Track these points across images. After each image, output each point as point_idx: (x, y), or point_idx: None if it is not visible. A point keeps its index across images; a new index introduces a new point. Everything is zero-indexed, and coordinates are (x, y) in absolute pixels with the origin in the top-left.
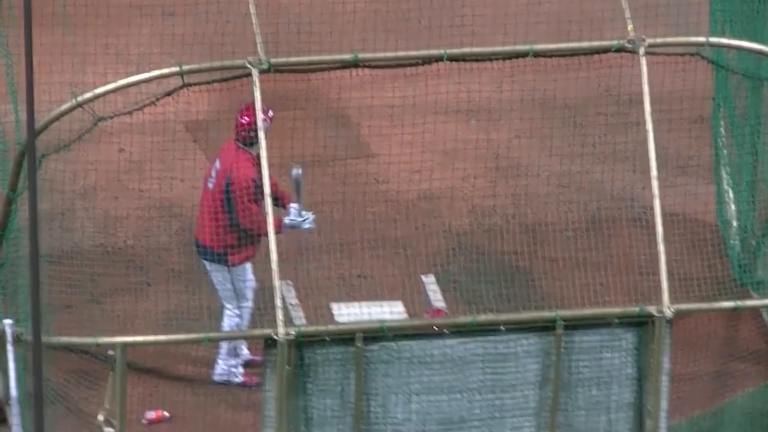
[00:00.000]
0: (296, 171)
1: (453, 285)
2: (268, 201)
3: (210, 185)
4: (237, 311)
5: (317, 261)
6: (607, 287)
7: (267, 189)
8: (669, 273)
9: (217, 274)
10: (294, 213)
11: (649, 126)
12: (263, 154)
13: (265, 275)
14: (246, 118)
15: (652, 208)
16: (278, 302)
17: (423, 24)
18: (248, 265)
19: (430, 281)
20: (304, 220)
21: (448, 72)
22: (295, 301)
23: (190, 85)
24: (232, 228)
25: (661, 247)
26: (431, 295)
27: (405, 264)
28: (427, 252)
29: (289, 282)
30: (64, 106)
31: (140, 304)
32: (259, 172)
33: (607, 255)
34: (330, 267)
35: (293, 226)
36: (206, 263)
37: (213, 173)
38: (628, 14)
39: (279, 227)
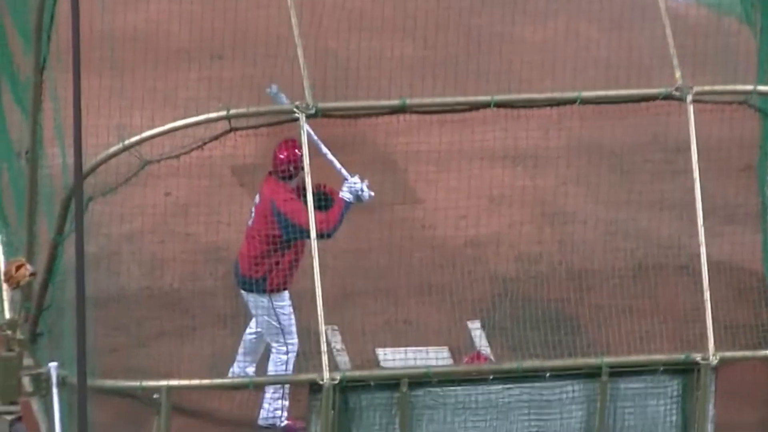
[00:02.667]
0: (272, 90)
1: (499, 331)
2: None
3: (249, 222)
4: (284, 348)
5: (363, 306)
6: (652, 334)
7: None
8: (715, 321)
9: (259, 308)
10: (348, 184)
11: (696, 174)
12: (308, 179)
13: (310, 320)
14: (285, 153)
15: (698, 256)
16: (323, 347)
17: (471, 69)
18: (287, 295)
19: (475, 327)
20: (359, 185)
21: (495, 118)
22: (340, 346)
23: (237, 129)
24: (272, 255)
25: (707, 295)
26: (477, 341)
27: (451, 310)
28: (473, 298)
29: (335, 327)
30: (112, 150)
31: (185, 347)
32: (300, 198)
33: (654, 302)
34: (375, 312)
35: (353, 193)
36: (246, 295)
37: (252, 209)
38: (675, 62)
39: (341, 207)
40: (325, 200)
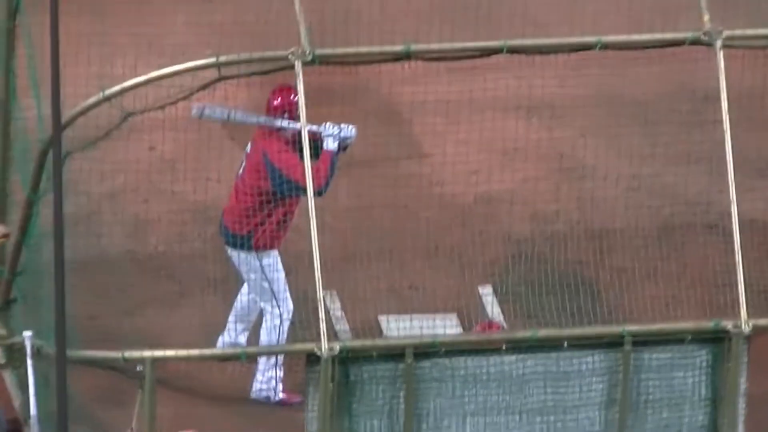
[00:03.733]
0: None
1: (512, 297)
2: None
3: (240, 172)
4: (277, 314)
5: (364, 270)
6: (679, 300)
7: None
8: (747, 285)
9: (247, 267)
10: (325, 133)
11: (726, 124)
12: (305, 132)
13: (307, 285)
14: (279, 99)
15: (729, 214)
16: (321, 314)
17: (481, 13)
18: (275, 254)
19: (487, 292)
20: (335, 129)
21: (508, 65)
22: (340, 313)
23: (227, 78)
24: (260, 210)
25: (739, 257)
26: (488, 307)
27: (460, 274)
28: (485, 261)
29: (334, 292)
30: (91, 100)
31: (172, 315)
32: (293, 146)
33: (680, 265)
34: (379, 277)
35: (336, 140)
36: (232, 253)
37: (243, 159)
38: (703, 3)
39: (327, 159)
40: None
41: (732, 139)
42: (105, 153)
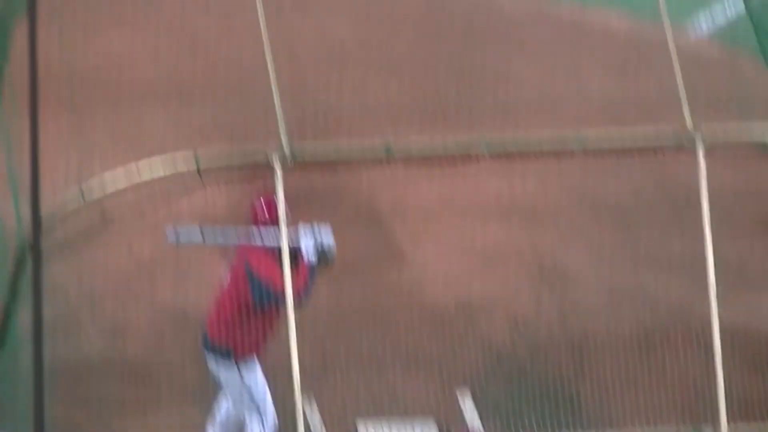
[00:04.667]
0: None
1: (491, 405)
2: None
3: (225, 282)
4: (258, 421)
5: (343, 375)
6: (659, 408)
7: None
8: (727, 393)
9: (228, 380)
10: (304, 235)
11: (707, 230)
12: (285, 245)
13: (286, 392)
14: (264, 208)
15: (710, 321)
16: (300, 424)
17: (463, 110)
18: (257, 366)
19: (466, 400)
20: (312, 239)
21: (490, 169)
22: (318, 419)
23: (206, 177)
24: (241, 320)
25: (719, 364)
26: (467, 415)
27: (439, 380)
28: (464, 368)
29: (313, 398)
30: (71, 203)
31: (151, 425)
32: (275, 255)
33: (661, 373)
34: (357, 382)
35: (315, 250)
36: (213, 362)
37: (227, 268)
38: (685, 104)
39: (306, 272)
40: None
41: (713, 244)
42: (83, 255)
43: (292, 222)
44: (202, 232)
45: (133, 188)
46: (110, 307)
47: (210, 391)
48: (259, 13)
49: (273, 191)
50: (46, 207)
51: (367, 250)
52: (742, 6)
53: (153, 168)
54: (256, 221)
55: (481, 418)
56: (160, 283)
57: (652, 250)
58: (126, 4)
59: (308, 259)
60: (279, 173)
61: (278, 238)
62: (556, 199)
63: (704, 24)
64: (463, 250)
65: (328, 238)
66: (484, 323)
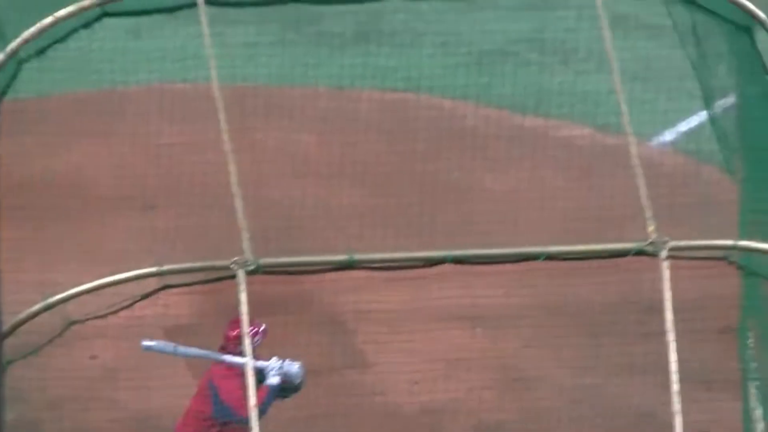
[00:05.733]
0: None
1: None
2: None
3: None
4: None
5: None
6: None
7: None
8: None
9: None
10: (272, 367)
11: (671, 336)
12: (249, 364)
13: None
14: (235, 332)
15: (673, 427)
16: None
17: (426, 220)
18: None
19: None
20: (278, 365)
21: (453, 274)
22: None
23: (169, 286)
24: (205, 429)
25: None
26: None
27: None
28: None
29: None
30: (33, 308)
31: None
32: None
33: None
34: None
35: (282, 375)
36: None
37: (196, 391)
38: (649, 213)
39: (267, 391)
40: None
41: (676, 350)
42: (47, 361)
43: (264, 337)
44: (175, 349)
45: (96, 295)
46: (72, 411)
47: None
48: (222, 124)
49: (237, 300)
50: (8, 313)
51: (331, 355)
52: (704, 116)
53: (116, 276)
54: (227, 339)
55: None
56: (122, 386)
57: (615, 355)
58: (91, 114)
59: (269, 381)
60: (243, 282)
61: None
62: (520, 304)
63: (667, 134)
64: (427, 354)
65: (294, 368)
66: (448, 426)
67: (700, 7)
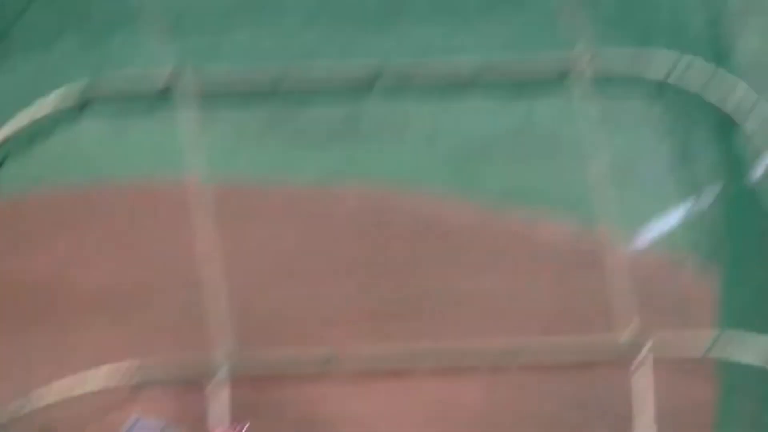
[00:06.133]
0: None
1: None
2: None
3: None
4: None
5: None
6: None
7: None
8: None
9: None
10: None
11: None
12: None
13: None
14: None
15: None
16: None
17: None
18: None
19: None
20: None
21: (432, 376)
22: None
23: (148, 388)
24: None
25: None
26: None
27: None
28: None
29: None
30: (9, 413)
31: None
32: None
33: None
34: None
35: None
36: None
37: None
38: (629, 311)
39: None
40: None
41: None
42: None
43: None
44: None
45: (74, 399)
46: None
47: None
48: (202, 222)
49: (216, 403)
50: None
51: None
52: (686, 213)
53: (94, 379)
54: None
55: None
56: None
57: None
58: (67, 212)
59: None
60: (223, 386)
61: None
62: (495, 411)
63: (649, 231)
64: None
65: None
66: None
67: (682, 105)
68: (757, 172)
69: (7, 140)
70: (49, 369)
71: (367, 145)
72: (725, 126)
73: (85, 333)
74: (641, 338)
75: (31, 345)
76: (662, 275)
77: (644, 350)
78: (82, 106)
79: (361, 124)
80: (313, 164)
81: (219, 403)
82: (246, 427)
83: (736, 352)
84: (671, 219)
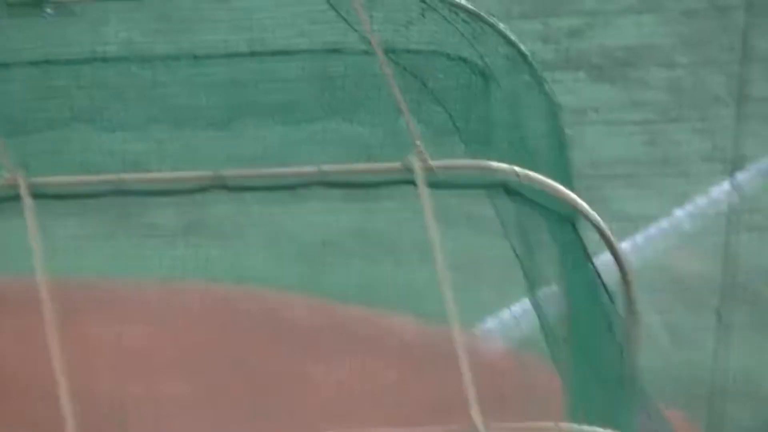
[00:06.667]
0: None
1: None
2: None
3: None
4: None
5: None
6: None
7: None
8: None
9: None
10: None
11: None
12: None
13: None
14: None
15: None
16: None
17: (254, 412)
18: None
19: None
20: None
21: None
22: None
23: None
24: None
25: None
26: None
27: None
28: None
29: None
30: None
31: None
32: None
33: None
34: None
35: None
36: None
37: None
38: (471, 398)
39: None
40: None
41: None
42: None
43: None
44: None
45: None
46: None
47: None
48: (46, 315)
49: None
50: None
51: None
52: (528, 305)
53: None
54: None
55: None
56: None
57: None
58: None
59: None
60: None
61: None
62: None
63: (491, 322)
64: None
65: None
66: None
67: (523, 198)
68: (594, 268)
69: None
70: None
71: (211, 241)
72: (567, 219)
73: None
74: (484, 422)
75: None
76: (506, 365)
77: None
78: None
79: (205, 220)
80: (159, 258)
81: None
82: None
83: None
84: (514, 311)
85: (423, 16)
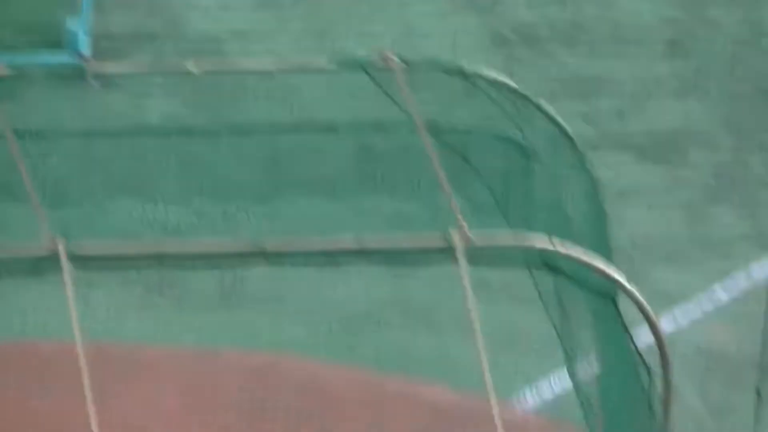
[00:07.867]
0: None
1: None
2: None
3: None
4: None
5: None
6: None
7: None
8: None
9: None
10: None
11: None
12: None
13: None
14: None
15: None
16: None
17: None
18: None
19: None
20: None
21: None
22: None
23: None
24: None
25: None
26: None
27: None
28: None
29: None
30: None
31: None
32: None
33: None
34: None
35: None
36: None
37: None
38: None
39: None
40: None
41: None
42: None
43: None
44: None
45: None
46: None
47: None
48: (85, 384)
49: None
50: None
51: None
52: (567, 380)
53: None
54: None
55: None
56: None
57: None
58: None
59: None
60: None
61: None
62: None
63: (529, 397)
64: None
65: None
66: None
67: (563, 273)
68: (632, 342)
69: None
70: None
71: (248, 312)
72: (606, 294)
73: None
74: None
75: None
76: None
77: None
78: None
79: (243, 291)
80: (195, 328)
81: None
82: None
83: None
84: (553, 386)
85: (467, 94)
